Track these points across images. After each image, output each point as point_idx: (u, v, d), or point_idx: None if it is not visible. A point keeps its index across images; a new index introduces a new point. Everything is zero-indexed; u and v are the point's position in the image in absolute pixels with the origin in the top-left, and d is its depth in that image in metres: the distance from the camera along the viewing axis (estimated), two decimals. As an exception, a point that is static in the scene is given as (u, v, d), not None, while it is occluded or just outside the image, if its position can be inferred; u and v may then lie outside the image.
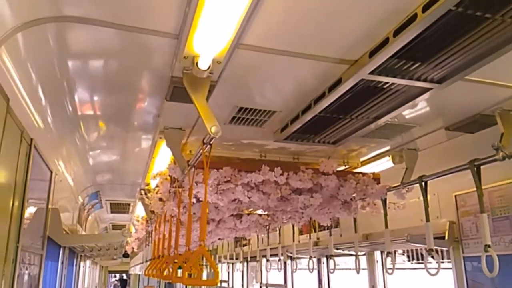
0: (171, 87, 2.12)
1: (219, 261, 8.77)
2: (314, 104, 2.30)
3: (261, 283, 6.91)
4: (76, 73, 2.08)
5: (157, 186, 3.58)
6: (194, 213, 3.38)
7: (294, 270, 4.76)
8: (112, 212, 6.67)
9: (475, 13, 1.45)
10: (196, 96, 1.95)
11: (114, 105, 2.54)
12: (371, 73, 1.86)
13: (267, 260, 5.24)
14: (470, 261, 3.02)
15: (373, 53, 1.76)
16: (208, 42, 1.70)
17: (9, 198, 2.10)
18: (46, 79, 2.09)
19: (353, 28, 1.68)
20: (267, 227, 4.77)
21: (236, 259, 7.49)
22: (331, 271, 3.89)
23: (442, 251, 3.20)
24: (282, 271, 6.03)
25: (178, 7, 1.54)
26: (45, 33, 1.67)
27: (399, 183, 3.01)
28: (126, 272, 17.47)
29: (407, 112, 2.51)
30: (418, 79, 1.93)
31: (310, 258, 4.19)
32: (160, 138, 2.99)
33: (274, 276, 6.59)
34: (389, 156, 3.31)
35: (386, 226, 3.08)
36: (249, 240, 6.98)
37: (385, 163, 3.42)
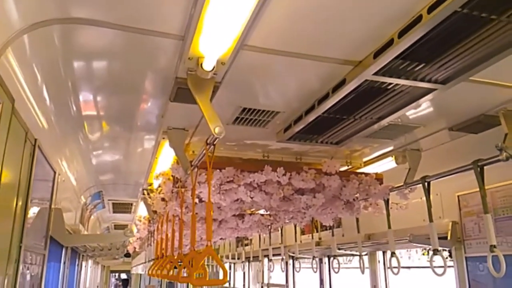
0: (175, 88, 2.12)
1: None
2: (318, 104, 2.30)
3: (262, 283, 6.92)
4: (81, 74, 2.08)
5: (159, 186, 3.59)
6: (196, 213, 3.39)
7: (297, 270, 4.75)
8: (114, 212, 6.68)
9: (481, 15, 1.45)
10: (200, 97, 1.96)
11: (118, 105, 2.54)
12: (375, 74, 1.86)
13: (270, 260, 5.24)
14: (472, 261, 3.02)
15: (377, 54, 1.76)
16: (213, 44, 1.71)
17: (13, 198, 2.10)
18: (51, 80, 2.09)
19: (357, 29, 1.68)
20: (269, 227, 4.78)
21: (238, 259, 7.50)
22: (335, 270, 3.89)
23: (450, 251, 3.20)
24: (284, 271, 6.05)
25: (183, 9, 1.54)
26: (51, 34, 1.68)
27: (402, 184, 3.01)
28: (128, 271, 17.50)
29: (411, 113, 2.51)
30: (422, 80, 1.94)
31: (313, 258, 4.20)
32: (163, 138, 2.99)
33: (275, 276, 6.60)
34: (392, 156, 3.31)
35: (389, 226, 3.08)
36: (250, 240, 6.99)
37: (388, 164, 3.42)
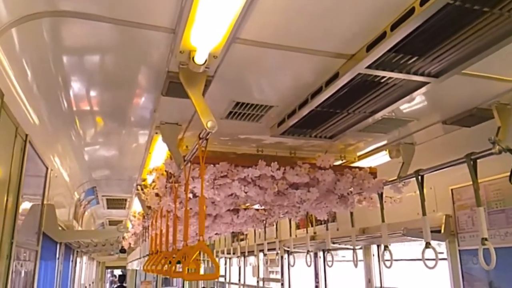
0: (167, 82, 2.10)
1: (216, 256, 8.78)
2: (311, 98, 2.29)
3: (258, 277, 6.94)
4: (72, 68, 2.06)
5: (153, 181, 3.57)
6: (190, 208, 3.38)
7: (292, 264, 4.77)
8: (108, 208, 6.65)
9: (473, 7, 1.44)
10: (192, 91, 1.94)
11: (110, 100, 2.52)
12: (368, 67, 1.85)
13: (265, 255, 5.25)
14: (465, 254, 3.04)
15: (370, 47, 1.75)
16: (205, 37, 1.69)
17: (3, 194, 2.08)
18: (41, 75, 2.06)
19: (350, 22, 1.67)
20: (264, 221, 4.78)
21: (234, 254, 7.51)
22: (329, 263, 3.91)
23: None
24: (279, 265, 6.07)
25: (174, 1, 1.52)
26: (40, 28, 1.65)
27: (396, 177, 3.02)
28: (124, 267, 17.47)
29: (404, 106, 2.51)
30: (415, 73, 1.93)
31: (308, 252, 4.21)
32: (156, 133, 2.98)
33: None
34: (386, 150, 3.32)
35: (383, 220, 3.09)
36: (246, 235, 7.00)
37: (382, 157, 3.43)
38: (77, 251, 5.86)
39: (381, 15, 1.59)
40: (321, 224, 4.89)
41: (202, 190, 2.23)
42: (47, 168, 2.99)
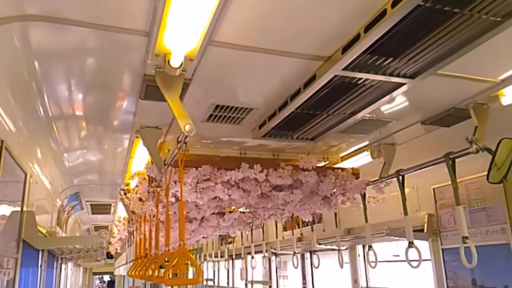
0: (144, 85, 2.08)
1: (204, 259, 8.74)
2: (291, 100, 2.30)
3: (246, 280, 6.92)
4: (46, 74, 2.02)
5: (136, 186, 3.54)
6: (174, 212, 3.35)
7: (279, 266, 4.76)
8: (93, 213, 6.58)
9: (444, 8, 1.46)
10: (169, 94, 1.93)
11: (88, 105, 2.49)
12: (345, 69, 1.86)
13: (252, 257, 5.24)
14: (448, 253, 3.07)
15: (345, 49, 1.76)
16: (179, 39, 1.68)
17: (-21, 202, 2.04)
18: (14, 81, 2.03)
19: (325, 24, 1.67)
20: (251, 224, 4.77)
21: (221, 257, 7.47)
22: (315, 265, 3.91)
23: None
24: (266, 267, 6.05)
25: (147, 4, 1.51)
26: (9, 33, 1.62)
27: (378, 178, 3.03)
28: (111, 273, 17.30)
29: (384, 107, 2.53)
30: (391, 75, 1.94)
31: (294, 254, 4.21)
32: (137, 137, 2.95)
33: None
34: (367, 151, 3.34)
35: (366, 221, 3.10)
36: (233, 237, 6.97)
37: (364, 158, 3.45)
38: (61, 258, 5.77)
39: (355, 17, 1.60)
40: (308, 225, 4.90)
41: (181, 194, 2.22)
42: (25, 174, 2.94)
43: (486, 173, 2.30)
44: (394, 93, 2.11)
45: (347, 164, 3.52)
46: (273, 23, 1.66)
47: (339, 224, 3.65)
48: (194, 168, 2.89)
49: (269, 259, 6.10)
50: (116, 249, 9.02)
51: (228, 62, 1.97)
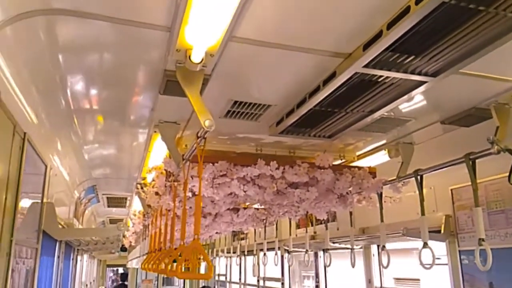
0: (164, 80, 2.10)
1: (217, 255, 8.79)
2: (309, 97, 2.29)
3: (258, 276, 6.94)
4: (69, 67, 2.06)
5: (153, 180, 3.58)
6: (190, 207, 3.38)
7: (290, 264, 4.77)
8: (109, 206, 6.67)
9: (469, 6, 1.43)
10: (190, 90, 1.94)
11: (108, 99, 2.52)
12: (365, 66, 1.85)
13: (264, 254, 5.25)
14: (465, 254, 3.03)
15: (366, 46, 1.74)
16: (201, 35, 1.68)
17: (2, 192, 2.09)
18: (38, 74, 2.07)
19: (347, 21, 1.66)
20: (264, 221, 4.78)
21: (234, 253, 7.51)
22: (327, 263, 3.90)
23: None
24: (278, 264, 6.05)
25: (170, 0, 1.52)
26: (35, 26, 1.65)
27: (395, 177, 3.01)
28: (124, 266, 17.51)
29: (403, 106, 2.50)
30: (412, 73, 1.92)
31: (306, 251, 4.21)
32: (155, 132, 2.98)
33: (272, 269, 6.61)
34: (385, 150, 3.31)
35: (382, 220, 3.08)
36: (246, 234, 7.00)
37: (381, 157, 3.42)
38: (78, 249, 5.88)
39: (377, 14, 1.59)
40: (321, 223, 4.89)
41: (200, 189, 2.24)
42: (46, 166, 3.00)
43: (505, 174, 2.26)
44: (415, 92, 2.09)
45: (363, 162, 3.49)
46: (294, 19, 1.66)
47: (353, 223, 3.63)
48: (210, 164, 2.91)
49: (282, 257, 6.11)
50: (130, 242, 9.13)
51: (248, 58, 1.97)
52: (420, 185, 2.71)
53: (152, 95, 2.39)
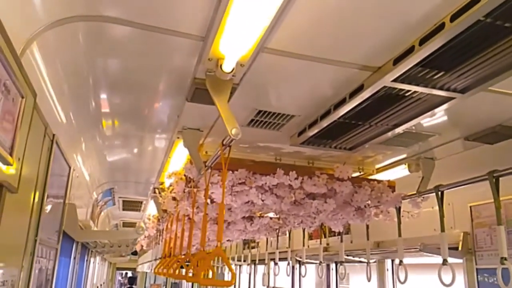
0: (192, 88, 2.13)
1: (227, 262, 8.76)
2: (334, 109, 2.30)
3: (268, 286, 6.90)
4: (102, 71, 2.11)
5: (171, 185, 3.61)
6: (206, 214, 3.40)
7: (303, 275, 4.75)
8: (124, 210, 6.72)
9: (504, 24, 1.44)
10: (218, 98, 1.97)
11: (134, 103, 2.57)
12: (394, 80, 1.86)
13: (275, 264, 5.24)
14: (483, 273, 2.99)
15: (397, 60, 1.76)
16: (234, 45, 1.72)
17: (31, 193, 2.13)
18: (73, 76, 2.12)
19: (378, 35, 1.68)
20: (277, 230, 4.78)
21: (244, 261, 7.49)
22: (341, 276, 3.87)
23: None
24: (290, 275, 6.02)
25: (206, 10, 1.56)
26: (75, 31, 1.71)
27: (414, 192, 2.99)
28: (134, 269, 17.56)
29: (426, 121, 2.50)
30: (441, 88, 1.93)
31: (320, 263, 4.19)
32: (178, 138, 3.02)
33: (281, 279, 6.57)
34: (405, 164, 3.30)
35: (399, 235, 3.06)
36: (257, 242, 6.98)
37: (400, 171, 3.41)
38: (92, 251, 5.92)
39: (410, 29, 1.60)
40: (334, 235, 4.86)
41: (223, 196, 2.26)
42: (70, 168, 3.05)
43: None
44: (442, 107, 2.09)
45: (382, 176, 3.49)
46: (325, 32, 1.69)
47: (369, 236, 3.62)
48: (230, 171, 2.94)
49: (293, 267, 6.08)
50: (142, 246, 9.17)
51: (275, 68, 2.00)
52: (441, 201, 2.70)
53: (179, 102, 2.43)
